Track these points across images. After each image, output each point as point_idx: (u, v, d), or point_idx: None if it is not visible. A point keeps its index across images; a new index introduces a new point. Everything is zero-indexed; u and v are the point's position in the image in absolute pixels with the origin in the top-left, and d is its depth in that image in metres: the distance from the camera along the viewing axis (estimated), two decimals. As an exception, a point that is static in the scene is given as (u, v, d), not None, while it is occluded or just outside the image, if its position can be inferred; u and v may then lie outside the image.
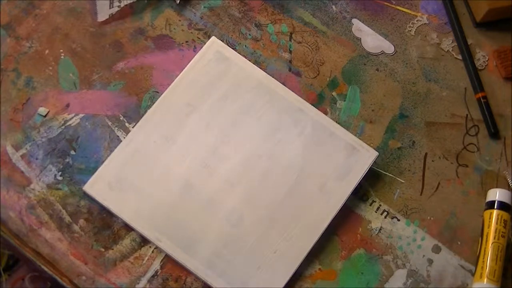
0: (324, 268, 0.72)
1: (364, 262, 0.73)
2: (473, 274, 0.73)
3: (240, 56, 0.76)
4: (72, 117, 0.74)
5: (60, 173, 0.72)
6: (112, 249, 0.70)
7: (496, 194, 0.74)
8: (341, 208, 0.72)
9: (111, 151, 0.72)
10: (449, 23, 0.84)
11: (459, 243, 0.74)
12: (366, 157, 0.74)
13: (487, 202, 0.74)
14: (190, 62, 0.75)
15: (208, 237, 0.70)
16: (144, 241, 0.70)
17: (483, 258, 0.71)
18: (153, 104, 0.74)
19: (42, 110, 0.74)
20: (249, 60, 0.77)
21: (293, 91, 0.75)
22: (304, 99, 0.75)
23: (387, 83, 0.80)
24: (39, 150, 0.72)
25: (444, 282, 0.73)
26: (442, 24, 0.84)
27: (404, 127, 0.79)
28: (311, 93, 0.79)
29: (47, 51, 0.76)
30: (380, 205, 0.75)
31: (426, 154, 0.78)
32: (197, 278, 0.70)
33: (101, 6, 0.78)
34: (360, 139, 0.75)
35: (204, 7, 0.81)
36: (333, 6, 0.83)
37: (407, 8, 0.84)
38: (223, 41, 0.78)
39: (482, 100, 0.80)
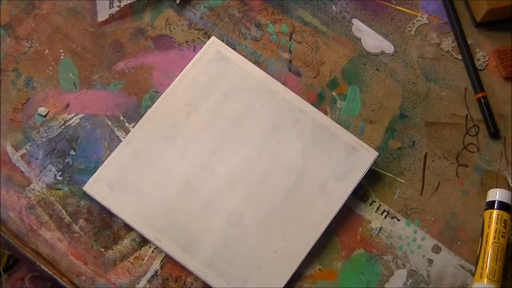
0: (324, 268, 0.72)
1: (364, 262, 0.73)
2: (473, 274, 0.73)
3: (240, 56, 0.76)
4: (72, 117, 0.74)
5: (60, 173, 0.72)
6: (112, 249, 0.70)
7: (496, 194, 0.74)
8: (341, 208, 0.72)
9: (111, 151, 0.72)
10: (449, 23, 0.84)
11: (459, 243, 0.74)
12: (366, 157, 0.74)
13: (487, 202, 0.74)
14: (190, 62, 0.75)
15: (208, 237, 0.70)
16: (144, 241, 0.70)
17: (483, 258, 0.71)
18: (153, 104, 0.74)
19: (42, 110, 0.74)
20: (249, 60, 0.77)
21: (293, 91, 0.75)
22: (304, 99, 0.75)
23: (387, 83, 0.80)
24: (39, 150, 0.72)
25: (444, 282, 0.73)
26: (442, 24, 0.84)
27: (404, 127, 0.79)
28: (311, 93, 0.79)
29: (47, 51, 0.76)
30: (380, 205, 0.75)
31: (426, 154, 0.78)
32: (197, 278, 0.70)
33: (101, 6, 0.78)
34: (360, 139, 0.75)
35: (204, 7, 0.81)
36: (333, 6, 0.83)
37: (407, 8, 0.84)
38: (223, 41, 0.78)
39: (482, 100, 0.80)
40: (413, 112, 0.79)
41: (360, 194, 0.75)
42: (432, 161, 0.78)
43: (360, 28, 0.82)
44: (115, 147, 0.72)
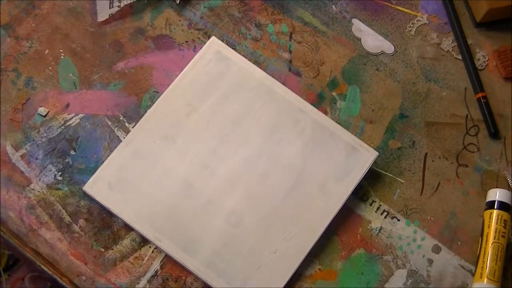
0: (324, 268, 0.72)
1: (364, 262, 0.73)
2: (473, 274, 0.73)
3: (240, 56, 0.76)
4: (72, 117, 0.74)
5: (60, 173, 0.72)
6: (112, 249, 0.70)
7: (496, 194, 0.74)
8: (341, 208, 0.72)
9: (111, 151, 0.72)
10: (449, 23, 0.84)
11: (459, 243, 0.74)
12: (366, 157, 0.74)
13: (487, 202, 0.74)
14: (190, 62, 0.75)
15: (208, 237, 0.70)
16: (144, 241, 0.70)
17: (483, 258, 0.71)
18: (153, 104, 0.74)
19: (42, 110, 0.74)
20: (249, 60, 0.77)
21: (293, 91, 0.75)
22: (304, 99, 0.75)
23: (387, 83, 0.80)
24: (39, 150, 0.72)
25: (444, 282, 0.73)
26: (442, 24, 0.84)
27: (404, 127, 0.79)
28: (311, 93, 0.79)
29: (47, 51, 0.76)
30: (380, 205, 0.75)
31: (426, 154, 0.78)
32: (197, 278, 0.70)
33: (101, 6, 0.78)
34: (360, 139, 0.75)
35: (204, 7, 0.81)
36: (333, 6, 0.83)
37: (407, 8, 0.84)
38: (223, 41, 0.78)
39: (482, 100, 0.80)
40: (413, 112, 0.79)
41: (360, 194, 0.75)
42: (432, 161, 0.77)
43: (360, 28, 0.82)
44: (115, 147, 0.72)
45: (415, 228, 0.74)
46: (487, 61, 0.82)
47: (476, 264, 0.72)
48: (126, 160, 0.71)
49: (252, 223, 0.71)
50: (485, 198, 0.75)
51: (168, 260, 0.70)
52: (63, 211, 0.71)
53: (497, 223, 0.72)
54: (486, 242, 0.72)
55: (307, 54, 0.80)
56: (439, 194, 0.76)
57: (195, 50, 0.78)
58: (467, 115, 0.80)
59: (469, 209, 0.76)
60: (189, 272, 0.70)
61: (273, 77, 0.76)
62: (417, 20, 0.83)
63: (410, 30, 0.83)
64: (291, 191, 0.72)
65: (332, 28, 0.82)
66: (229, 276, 0.69)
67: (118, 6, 0.78)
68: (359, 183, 0.73)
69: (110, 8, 0.78)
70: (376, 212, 0.74)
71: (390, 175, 0.76)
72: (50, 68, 0.76)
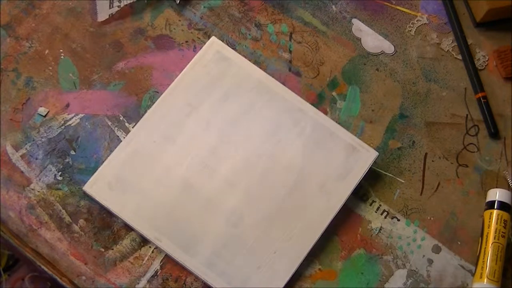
0: (324, 268, 0.72)
1: (364, 262, 0.73)
2: (473, 274, 0.73)
3: (240, 56, 0.76)
4: (72, 117, 0.74)
5: (60, 173, 0.72)
6: (112, 249, 0.70)
7: (496, 194, 0.74)
8: (341, 208, 0.72)
9: (111, 151, 0.72)
10: (449, 23, 0.84)
11: (459, 243, 0.74)
12: (366, 157, 0.74)
13: (487, 202, 0.74)
14: (190, 62, 0.75)
15: (208, 237, 0.70)
16: (144, 241, 0.70)
17: (483, 258, 0.71)
18: (153, 104, 0.74)
19: (42, 110, 0.74)
20: (249, 60, 0.77)
21: (293, 91, 0.75)
22: (304, 99, 0.75)
23: (387, 83, 0.80)
24: (39, 150, 0.72)
25: (444, 282, 0.73)
26: (442, 24, 0.84)
27: (404, 127, 0.79)
28: (311, 93, 0.79)
29: (47, 51, 0.76)
30: (380, 205, 0.75)
31: (426, 154, 0.78)
32: (197, 278, 0.70)
33: (101, 6, 0.78)
34: (360, 139, 0.75)
35: (204, 7, 0.81)
36: (333, 6, 0.83)
37: (407, 8, 0.84)
38: (223, 41, 0.78)
39: (482, 100, 0.80)
40: (413, 112, 0.79)
41: (360, 194, 0.75)
42: (432, 161, 0.78)
43: (360, 28, 0.82)
44: (115, 147, 0.72)
45: (415, 228, 0.74)
46: (487, 61, 0.83)
47: (476, 264, 0.72)
48: (126, 160, 0.71)
49: (252, 223, 0.71)
50: (485, 198, 0.75)
51: (168, 260, 0.70)
52: (63, 211, 0.71)
53: (497, 223, 0.72)
54: (486, 242, 0.72)
55: (307, 54, 0.80)
56: (439, 194, 0.76)
57: (195, 50, 0.78)
58: (467, 115, 0.80)
59: (469, 209, 0.76)
60: (189, 272, 0.70)
61: (273, 77, 0.76)
62: (417, 20, 0.83)
63: (410, 30, 0.83)
64: (291, 191, 0.72)
65: (332, 28, 0.82)
66: (229, 276, 0.69)
67: (118, 6, 0.78)
68: (359, 183, 0.73)
69: (110, 8, 0.78)
70: (376, 212, 0.75)
71: (390, 175, 0.76)
72: (50, 68, 0.76)
